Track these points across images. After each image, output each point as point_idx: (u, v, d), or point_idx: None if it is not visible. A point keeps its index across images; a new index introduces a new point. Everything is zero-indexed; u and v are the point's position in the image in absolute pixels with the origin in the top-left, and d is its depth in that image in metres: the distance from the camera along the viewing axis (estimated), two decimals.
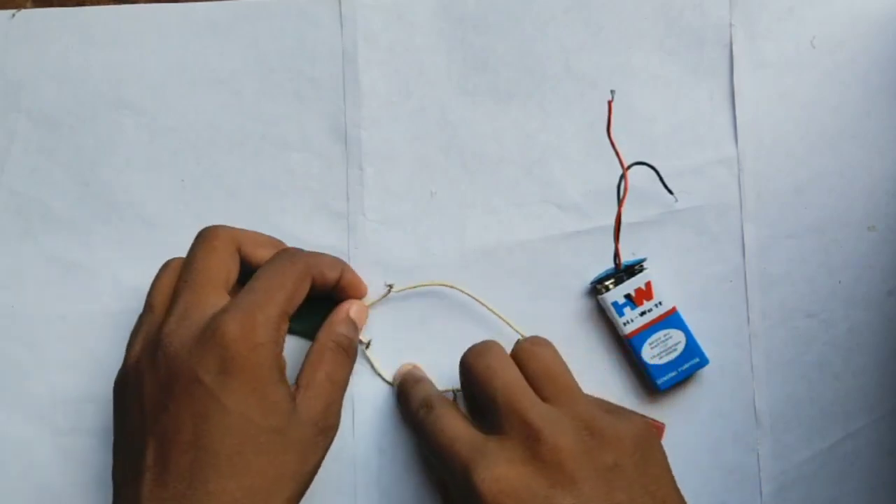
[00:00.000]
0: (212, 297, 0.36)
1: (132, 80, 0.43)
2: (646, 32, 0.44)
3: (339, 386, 0.38)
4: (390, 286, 0.42)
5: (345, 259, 0.43)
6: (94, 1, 0.44)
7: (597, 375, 0.42)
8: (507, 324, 0.42)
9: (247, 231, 0.40)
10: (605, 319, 0.43)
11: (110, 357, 0.42)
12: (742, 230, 0.43)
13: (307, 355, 0.39)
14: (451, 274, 0.43)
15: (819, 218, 0.44)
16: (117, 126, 0.43)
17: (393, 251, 0.43)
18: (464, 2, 0.44)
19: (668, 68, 0.44)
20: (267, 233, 0.42)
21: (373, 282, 0.43)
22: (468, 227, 0.43)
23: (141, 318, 0.38)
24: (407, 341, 0.43)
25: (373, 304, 0.42)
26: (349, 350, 0.40)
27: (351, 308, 0.41)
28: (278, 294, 0.36)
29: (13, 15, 0.44)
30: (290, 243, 0.43)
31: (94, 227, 0.43)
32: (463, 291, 0.42)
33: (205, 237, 0.38)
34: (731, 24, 0.44)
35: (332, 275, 0.40)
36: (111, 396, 0.42)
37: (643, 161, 0.43)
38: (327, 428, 0.37)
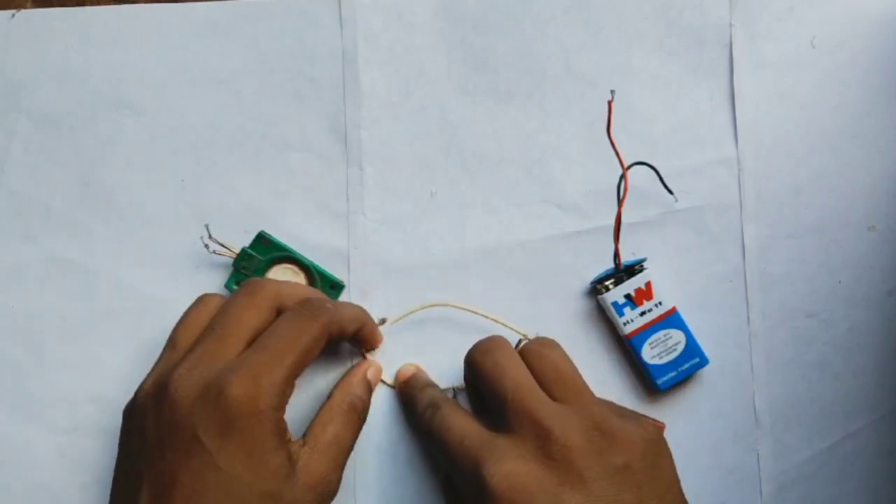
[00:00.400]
0: (230, 350, 0.36)
1: (132, 80, 0.43)
2: (646, 32, 0.44)
3: (345, 448, 0.37)
4: (383, 320, 0.42)
5: (344, 259, 0.43)
6: (94, 1, 0.44)
7: (597, 375, 0.42)
8: (506, 326, 0.42)
9: (293, 287, 0.39)
10: (605, 319, 0.43)
11: (110, 357, 0.42)
12: (742, 230, 0.43)
13: (319, 412, 0.38)
14: (451, 274, 0.43)
15: (819, 218, 0.44)
16: (117, 126, 0.43)
17: (393, 251, 0.43)
18: (464, 2, 0.44)
19: (668, 68, 0.44)
20: (267, 232, 0.42)
21: (371, 287, 0.43)
22: (468, 227, 0.43)
23: (163, 350, 0.38)
24: (407, 342, 0.43)
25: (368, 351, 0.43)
26: (361, 412, 0.39)
27: (368, 369, 0.41)
28: (288, 356, 0.35)
29: (13, 15, 0.44)
30: (289, 243, 0.43)
31: (94, 227, 0.43)
32: (456, 306, 0.42)
33: (248, 290, 0.38)
34: (731, 24, 0.44)
35: (350, 328, 0.39)
36: (111, 396, 0.42)
37: (643, 161, 0.43)
38: (326, 494, 0.36)
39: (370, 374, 0.41)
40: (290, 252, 0.42)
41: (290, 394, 0.36)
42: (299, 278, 0.42)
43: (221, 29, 0.44)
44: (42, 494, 0.42)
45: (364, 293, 0.43)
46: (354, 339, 0.40)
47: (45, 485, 0.42)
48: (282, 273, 0.42)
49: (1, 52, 0.43)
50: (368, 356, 0.42)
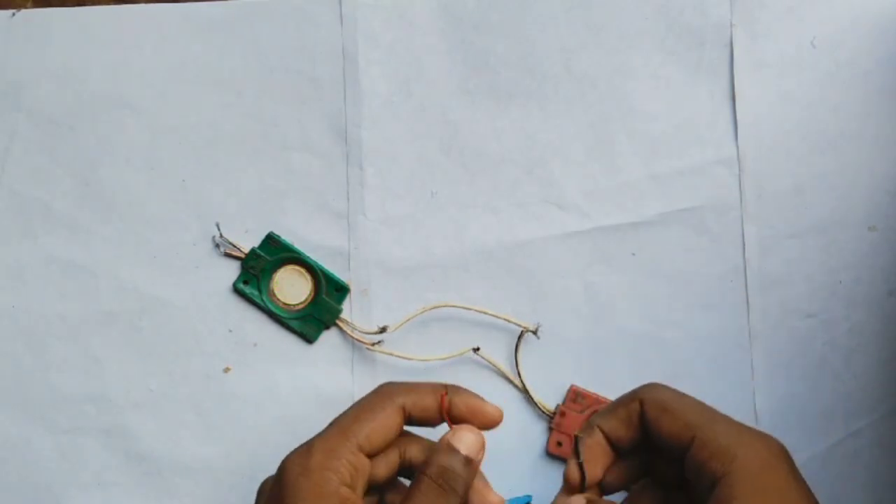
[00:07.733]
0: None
1: (132, 80, 0.43)
2: (646, 32, 0.44)
3: None
4: (384, 328, 0.42)
5: (344, 259, 0.43)
6: (94, 1, 0.44)
7: (597, 375, 0.42)
8: (508, 321, 0.42)
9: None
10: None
11: (110, 357, 0.42)
12: (742, 230, 0.43)
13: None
14: (451, 274, 0.43)
15: (819, 218, 0.44)
16: (117, 126, 0.43)
17: (393, 251, 0.43)
18: (464, 2, 0.44)
19: (668, 68, 0.44)
20: (276, 234, 0.42)
21: (371, 287, 0.43)
22: (468, 227, 0.43)
23: None
24: (409, 343, 0.43)
25: (374, 346, 0.42)
26: (448, 486, 0.33)
27: (454, 436, 0.34)
28: (344, 421, 0.34)
29: (13, 15, 0.44)
30: (290, 243, 0.43)
31: (94, 227, 0.43)
32: (456, 305, 0.42)
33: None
34: (731, 24, 0.44)
35: (428, 400, 0.35)
36: (111, 396, 0.42)
37: None
38: None
39: (456, 441, 0.34)
40: (298, 254, 0.43)
41: (359, 465, 0.33)
42: (306, 280, 0.43)
43: (221, 29, 0.44)
44: (42, 494, 0.42)
45: (364, 293, 0.43)
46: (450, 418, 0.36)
47: (46, 485, 0.42)
48: (289, 274, 0.42)
49: (1, 52, 0.43)
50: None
